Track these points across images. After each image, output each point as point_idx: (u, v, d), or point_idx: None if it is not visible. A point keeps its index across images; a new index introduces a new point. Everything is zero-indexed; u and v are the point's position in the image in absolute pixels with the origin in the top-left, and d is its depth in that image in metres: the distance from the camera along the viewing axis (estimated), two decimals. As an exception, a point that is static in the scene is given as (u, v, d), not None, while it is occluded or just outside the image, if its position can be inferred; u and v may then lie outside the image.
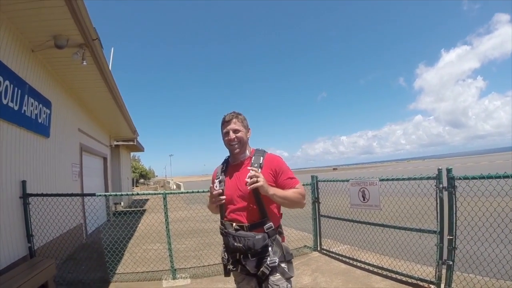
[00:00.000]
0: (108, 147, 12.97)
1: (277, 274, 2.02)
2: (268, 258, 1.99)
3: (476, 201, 3.80)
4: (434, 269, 4.09)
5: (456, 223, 3.83)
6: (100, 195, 5.79)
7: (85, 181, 8.43)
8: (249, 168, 2.06)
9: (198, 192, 5.67)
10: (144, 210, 13.58)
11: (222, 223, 2.17)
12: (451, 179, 3.83)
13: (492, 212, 3.74)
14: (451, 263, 3.84)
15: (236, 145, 2.19)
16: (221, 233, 2.17)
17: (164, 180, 60.41)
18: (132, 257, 5.87)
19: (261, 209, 2.05)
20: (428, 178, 4.15)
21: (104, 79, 6.74)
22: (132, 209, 8.92)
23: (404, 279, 4.40)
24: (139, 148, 19.72)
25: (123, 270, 5.36)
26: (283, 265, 2.05)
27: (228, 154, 2.35)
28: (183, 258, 6.17)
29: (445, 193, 3.92)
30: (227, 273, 2.18)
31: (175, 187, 42.99)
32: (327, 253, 5.92)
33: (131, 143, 16.13)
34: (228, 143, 2.21)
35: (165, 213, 5.28)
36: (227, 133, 2.20)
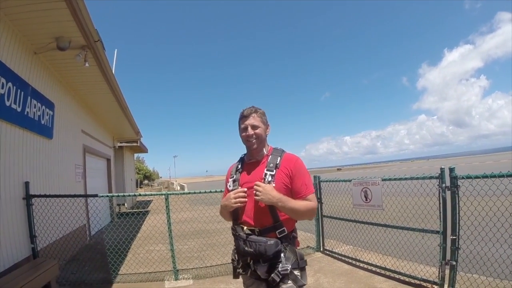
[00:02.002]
0: (112, 148, 13.01)
1: (289, 282, 1.91)
2: (280, 265, 1.89)
3: (479, 200, 3.76)
4: (437, 270, 4.06)
5: (459, 223, 3.79)
6: (102, 196, 5.80)
7: (88, 182, 8.48)
8: (257, 183, 1.96)
9: (200, 192, 5.68)
10: (148, 211, 13.62)
11: (233, 225, 2.10)
12: (453, 179, 3.80)
13: (496, 212, 3.71)
14: (454, 263, 3.80)
15: (254, 141, 2.09)
16: (233, 234, 2.09)
17: (168, 181, 60.47)
18: (135, 257, 5.88)
19: (273, 213, 1.96)
20: (431, 177, 4.12)
21: (107, 80, 6.77)
22: (136, 210, 8.93)
23: (407, 279, 4.38)
24: (142, 149, 19.75)
25: (125, 271, 5.37)
26: (296, 272, 1.94)
27: (239, 154, 2.29)
28: (186, 259, 6.18)
29: (448, 193, 3.89)
30: (236, 275, 2.11)
31: (179, 188, 43.05)
32: (330, 253, 5.90)
33: (135, 144, 16.16)
34: (246, 139, 2.11)
35: (167, 213, 5.27)
36: (245, 128, 2.11)
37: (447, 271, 3.92)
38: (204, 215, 6.22)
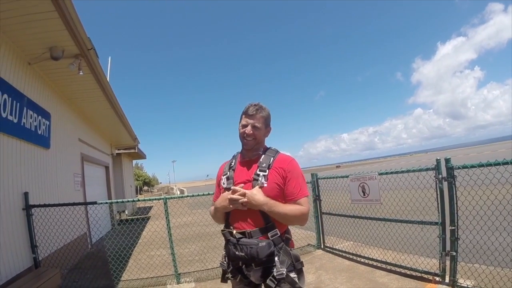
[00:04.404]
0: (110, 155, 13.01)
1: (286, 284, 1.83)
2: (275, 269, 1.81)
3: (476, 190, 3.74)
4: (438, 261, 4.06)
5: (457, 213, 3.78)
6: (101, 203, 5.83)
7: (87, 191, 8.48)
8: (236, 189, 1.91)
9: (198, 195, 5.70)
10: (149, 217, 13.62)
11: (224, 229, 2.03)
12: (450, 169, 3.80)
13: (494, 200, 3.70)
14: (454, 254, 3.79)
15: (251, 141, 2.02)
16: (224, 238, 2.03)
17: (168, 187, 60.44)
18: (136, 263, 5.90)
19: (264, 214, 1.87)
20: (427, 169, 4.12)
21: (102, 88, 6.79)
22: (136, 216, 8.92)
23: (408, 272, 4.40)
24: (140, 155, 19.76)
25: (127, 277, 5.39)
26: (292, 274, 1.85)
27: (233, 151, 2.22)
28: (187, 262, 6.19)
29: (445, 184, 3.88)
30: (224, 279, 2.06)
31: (179, 192, 43.01)
32: (331, 250, 5.92)
33: (132, 150, 16.17)
34: (243, 136, 2.03)
35: (166, 217, 5.29)
36: (246, 125, 2.02)
37: (447, 262, 3.92)
38: (204, 218, 6.24)
